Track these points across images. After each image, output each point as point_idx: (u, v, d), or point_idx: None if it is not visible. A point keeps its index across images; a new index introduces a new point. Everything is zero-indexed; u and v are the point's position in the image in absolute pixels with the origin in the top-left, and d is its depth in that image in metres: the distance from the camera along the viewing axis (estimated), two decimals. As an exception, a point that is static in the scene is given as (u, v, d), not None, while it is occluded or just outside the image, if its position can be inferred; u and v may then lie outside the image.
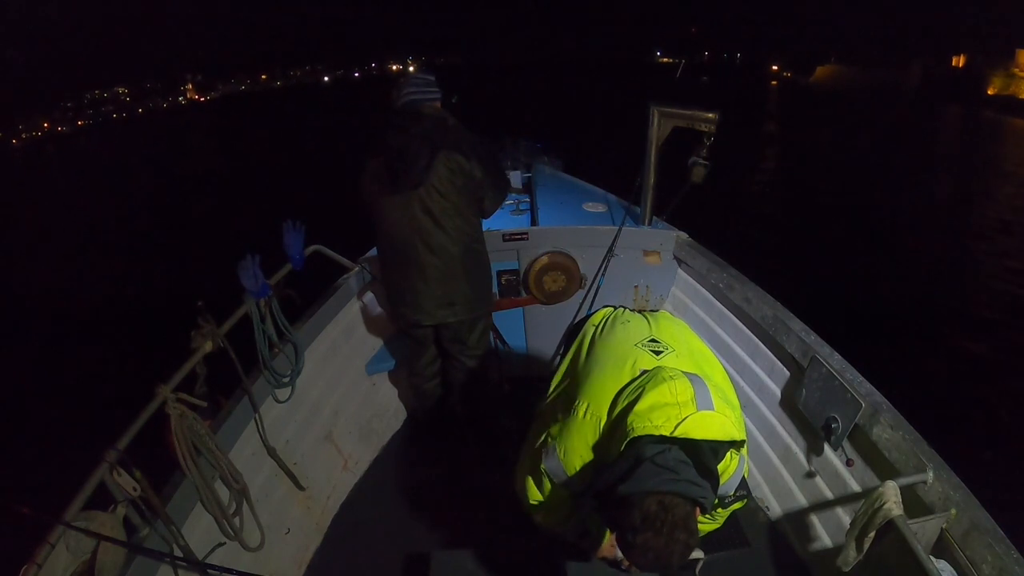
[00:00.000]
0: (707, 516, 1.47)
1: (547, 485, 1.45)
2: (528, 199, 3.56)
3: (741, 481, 1.37)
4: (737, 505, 1.45)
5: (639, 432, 1.13)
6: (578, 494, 1.41)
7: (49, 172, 44.76)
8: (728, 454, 1.23)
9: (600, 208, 3.34)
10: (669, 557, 1.07)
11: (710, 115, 2.69)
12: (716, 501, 1.40)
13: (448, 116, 2.25)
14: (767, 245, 8.91)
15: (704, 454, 1.14)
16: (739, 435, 1.19)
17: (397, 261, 2.30)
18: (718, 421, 1.16)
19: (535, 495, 1.51)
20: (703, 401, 1.16)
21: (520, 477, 1.53)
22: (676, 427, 1.12)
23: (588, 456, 1.29)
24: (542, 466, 1.39)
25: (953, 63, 41.57)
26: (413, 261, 2.26)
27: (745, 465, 1.37)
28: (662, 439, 1.12)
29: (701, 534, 1.60)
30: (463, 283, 2.31)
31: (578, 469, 1.32)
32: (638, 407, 1.16)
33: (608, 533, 1.62)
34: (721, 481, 1.29)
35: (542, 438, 1.43)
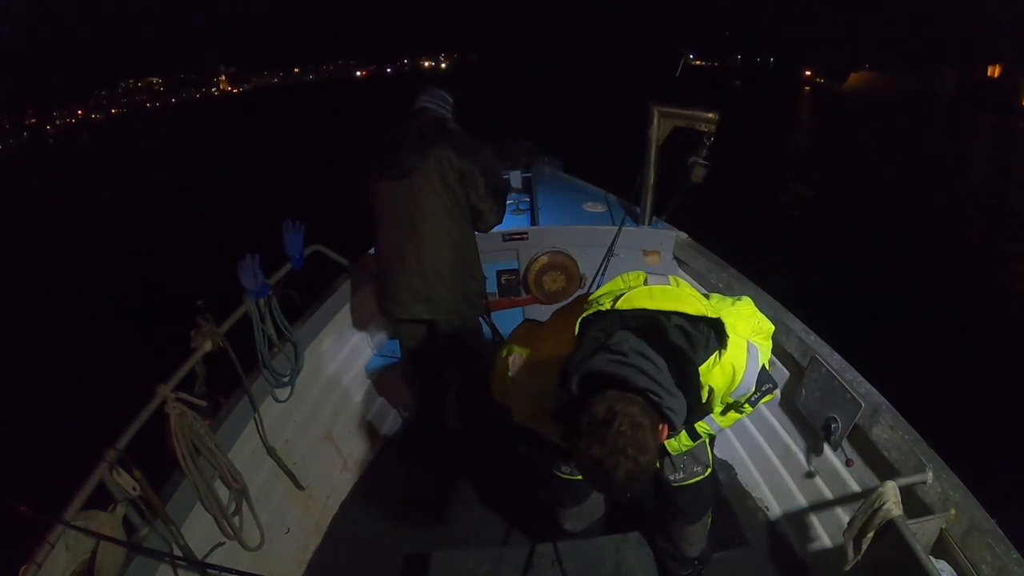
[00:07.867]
0: (740, 410, 1.38)
1: (516, 393, 1.44)
2: (528, 199, 3.56)
3: (762, 373, 1.26)
4: (767, 398, 1.34)
5: (587, 312, 1.10)
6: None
7: (77, 160, 44.42)
8: (715, 354, 1.11)
9: (600, 208, 3.34)
10: (613, 470, 0.96)
11: (710, 115, 2.70)
12: (744, 400, 1.31)
13: (449, 120, 2.30)
14: (772, 245, 8.88)
15: (667, 330, 1.04)
16: (704, 309, 1.08)
17: (388, 253, 2.34)
18: (672, 293, 1.08)
19: (508, 400, 1.53)
20: (656, 280, 1.12)
21: (493, 383, 1.56)
22: (617, 300, 1.07)
23: (553, 362, 1.21)
24: (509, 374, 1.39)
25: (988, 72, 40.80)
26: (399, 252, 2.29)
27: (760, 355, 1.25)
28: (604, 314, 1.07)
29: (747, 413, 1.44)
30: (445, 281, 2.30)
31: (544, 379, 1.25)
32: (591, 296, 1.16)
33: None
34: (735, 382, 1.20)
35: (506, 350, 1.44)
